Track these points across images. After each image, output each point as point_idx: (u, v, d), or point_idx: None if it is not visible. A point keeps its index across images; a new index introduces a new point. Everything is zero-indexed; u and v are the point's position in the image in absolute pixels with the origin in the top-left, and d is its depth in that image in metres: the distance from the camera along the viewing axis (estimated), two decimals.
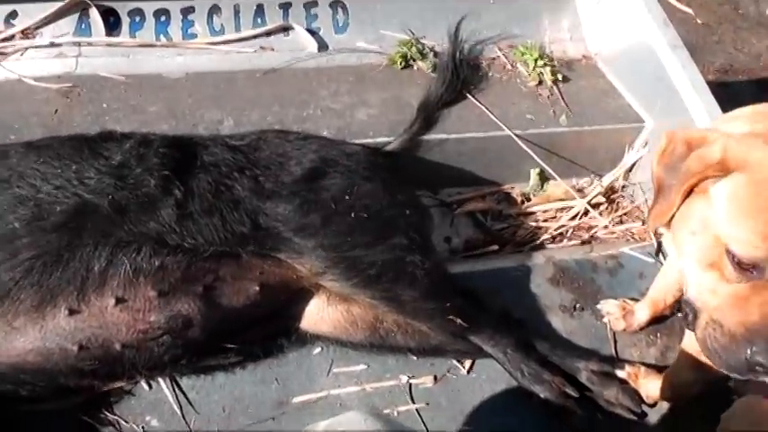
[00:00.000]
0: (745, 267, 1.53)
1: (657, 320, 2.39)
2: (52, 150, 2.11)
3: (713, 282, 1.60)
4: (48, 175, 2.04)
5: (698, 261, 1.62)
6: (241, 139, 2.29)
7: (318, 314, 2.22)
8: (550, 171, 2.82)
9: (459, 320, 2.18)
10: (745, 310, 1.55)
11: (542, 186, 2.90)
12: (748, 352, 1.53)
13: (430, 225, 2.57)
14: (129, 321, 1.98)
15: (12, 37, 2.81)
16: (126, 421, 2.11)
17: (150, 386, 2.18)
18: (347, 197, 2.18)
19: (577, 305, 2.43)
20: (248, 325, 2.17)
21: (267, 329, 2.23)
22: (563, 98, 2.90)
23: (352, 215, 2.15)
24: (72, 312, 1.94)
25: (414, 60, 2.95)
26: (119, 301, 1.97)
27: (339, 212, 2.15)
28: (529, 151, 2.74)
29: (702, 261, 1.61)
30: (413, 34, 3.01)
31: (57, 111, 2.65)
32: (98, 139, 2.17)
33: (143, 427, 2.11)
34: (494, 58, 3.06)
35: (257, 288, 2.10)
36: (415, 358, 2.30)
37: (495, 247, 2.73)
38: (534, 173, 2.87)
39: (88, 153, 2.10)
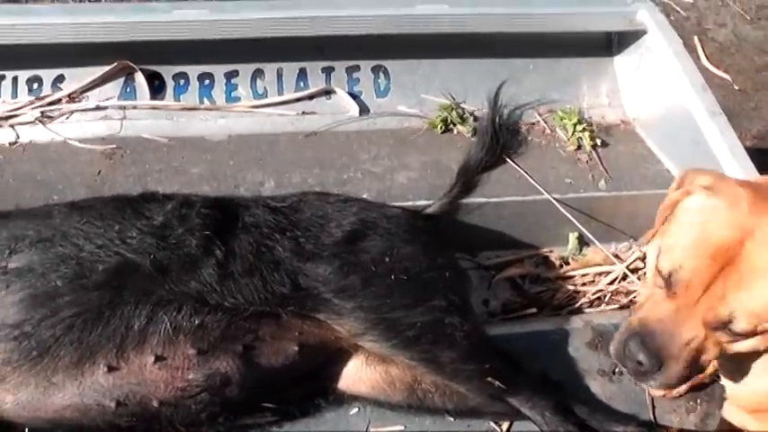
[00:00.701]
0: (662, 275, 1.83)
1: (697, 387, 2.35)
2: (95, 210, 2.17)
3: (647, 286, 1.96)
4: (90, 234, 2.09)
5: (648, 269, 1.96)
6: (282, 200, 2.33)
7: (356, 375, 2.23)
8: (589, 235, 2.82)
9: (497, 382, 2.17)
10: (644, 308, 1.90)
11: (581, 250, 2.89)
12: (627, 342, 1.88)
13: (468, 287, 2.57)
14: (167, 379, 2.01)
15: (58, 101, 2.90)
16: None
17: None
18: (387, 259, 2.19)
19: (616, 370, 2.41)
20: (286, 384, 2.18)
21: (305, 389, 2.23)
22: (602, 163, 2.92)
23: (392, 277, 2.17)
24: (111, 369, 1.98)
25: (454, 124, 2.99)
26: (158, 358, 2.00)
27: (379, 274, 2.17)
28: (568, 215, 2.75)
29: (650, 269, 1.92)
30: (453, 99, 3.05)
31: (100, 172, 2.72)
32: (140, 199, 2.22)
33: None
34: (533, 123, 3.09)
35: (296, 348, 2.12)
36: (452, 419, 2.29)
37: (534, 311, 2.72)
38: (573, 237, 2.87)
39: (131, 213, 2.14)
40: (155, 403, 2.00)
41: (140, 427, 2.03)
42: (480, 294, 2.79)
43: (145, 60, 2.92)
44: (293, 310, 2.11)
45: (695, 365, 1.86)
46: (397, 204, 2.55)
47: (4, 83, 2.94)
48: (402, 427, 2.26)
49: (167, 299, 2.02)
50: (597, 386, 2.39)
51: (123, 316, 1.99)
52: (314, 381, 2.23)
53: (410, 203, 2.60)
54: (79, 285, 2.00)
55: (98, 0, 3.52)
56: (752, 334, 1.79)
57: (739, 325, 1.76)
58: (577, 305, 2.73)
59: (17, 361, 1.95)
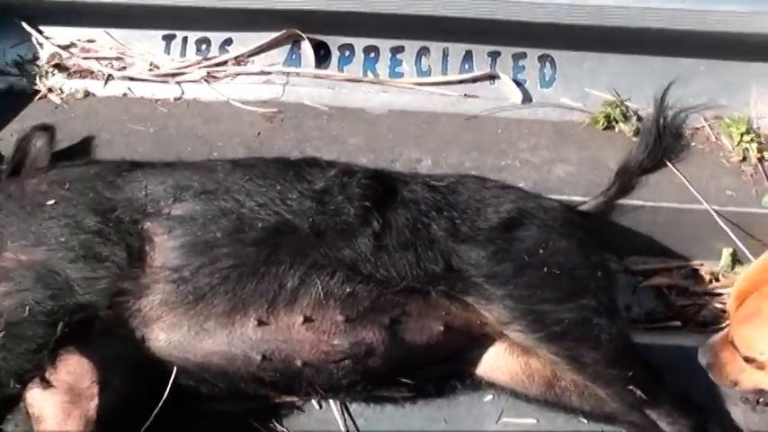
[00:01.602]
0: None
1: None
2: (258, 169, 2.24)
3: None
4: (252, 192, 2.16)
5: None
6: (440, 180, 2.34)
7: (496, 362, 2.24)
8: (745, 252, 2.72)
9: (638, 392, 2.14)
10: None
11: (733, 268, 2.80)
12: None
13: (616, 290, 2.53)
14: (313, 341, 2.06)
15: (225, 62, 3.01)
16: None
17: (321, 406, 2.26)
18: (541, 251, 2.19)
19: (761, 400, 2.32)
20: (426, 363, 2.21)
21: (443, 370, 2.26)
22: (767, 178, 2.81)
23: (544, 269, 2.16)
24: (260, 324, 2.05)
25: (616, 122, 2.94)
26: (306, 320, 2.05)
27: (531, 265, 2.16)
28: (726, 229, 2.67)
29: None
30: (618, 95, 2.99)
31: (259, 134, 2.81)
32: (303, 163, 2.29)
33: None
34: (698, 128, 3.00)
35: (441, 328, 2.13)
36: (585, 422, 2.27)
37: (678, 324, 2.65)
38: (727, 252, 2.78)
39: (293, 176, 2.21)
40: (298, 363, 2.06)
41: (281, 383, 2.11)
42: (623, 299, 2.73)
43: (312, 29, 2.98)
44: (443, 289, 2.12)
45: None
46: (552, 197, 2.51)
47: (173, 42, 3.08)
48: (534, 421, 2.26)
49: (321, 263, 2.07)
50: (738, 413, 2.31)
51: (278, 274, 2.05)
52: (453, 362, 2.25)
53: (566, 198, 2.57)
54: (238, 239, 2.08)
55: None
56: None
57: None
58: (724, 325, 2.64)
59: (173, 303, 2.04)
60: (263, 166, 2.24)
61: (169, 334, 2.06)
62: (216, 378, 2.09)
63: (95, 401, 2.09)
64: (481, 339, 2.22)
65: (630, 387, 2.13)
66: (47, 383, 2.01)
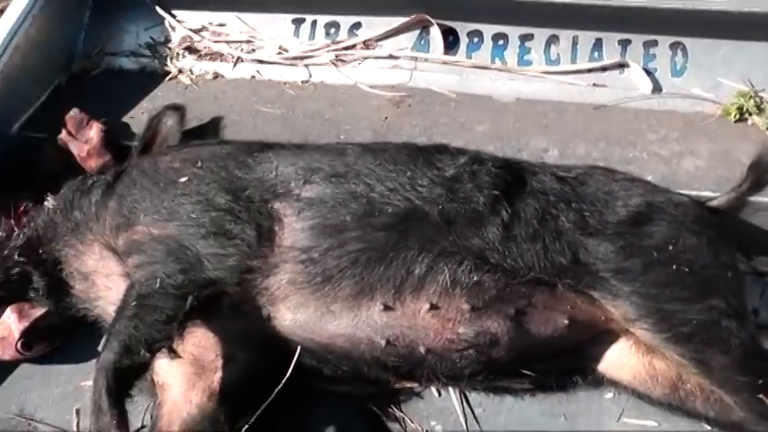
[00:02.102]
0: None
1: None
2: (388, 154, 2.26)
3: None
4: (382, 176, 2.18)
5: None
6: (568, 171, 2.32)
7: (619, 360, 2.21)
8: None
9: None
10: None
11: None
12: None
13: (746, 293, 2.46)
14: (438, 328, 2.08)
15: (353, 46, 3.05)
16: (411, 421, 2.21)
17: (440, 393, 2.27)
18: (670, 247, 2.14)
19: None
20: (548, 355, 2.20)
21: (564, 364, 2.24)
22: None
23: (674, 267, 2.12)
24: (386, 308, 2.07)
25: (749, 114, 2.84)
26: (432, 307, 2.07)
27: (660, 261, 2.12)
28: None
29: None
30: (752, 86, 2.89)
31: (386, 118, 2.83)
32: (433, 150, 2.29)
33: (427, 431, 2.18)
34: None
35: (566, 321, 2.12)
36: (708, 428, 2.20)
37: None
38: None
39: (423, 162, 2.22)
40: (421, 349, 2.08)
41: (404, 369, 2.13)
42: (750, 302, 2.64)
43: (442, 15, 2.98)
44: (569, 282, 2.10)
45: None
46: (681, 192, 2.45)
47: (303, 25, 3.14)
48: (656, 424, 2.22)
49: (450, 251, 2.08)
50: None
51: (406, 260, 2.07)
52: (575, 357, 2.24)
53: (695, 193, 2.49)
54: (367, 223, 2.11)
55: None
56: None
57: None
58: None
59: (301, 283, 2.09)
60: (393, 151, 2.26)
61: (295, 314, 2.11)
62: (339, 360, 2.13)
63: (219, 374, 2.18)
64: (605, 335, 2.19)
65: (761, 396, 2.06)
66: (174, 354, 2.09)
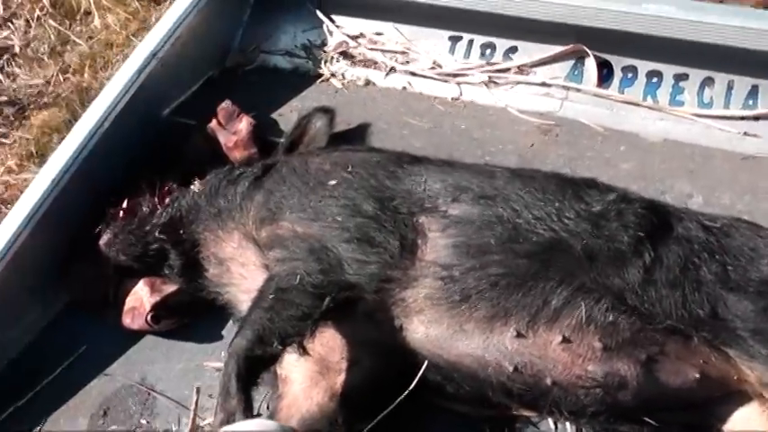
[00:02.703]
0: None
1: None
2: (537, 182, 2.28)
3: None
4: (530, 204, 2.21)
5: None
6: (713, 220, 2.29)
7: (749, 423, 2.16)
8: None
9: None
10: None
11: None
12: None
13: None
14: (567, 362, 2.08)
15: (507, 69, 3.07)
16: None
17: (556, 427, 2.27)
18: None
19: None
20: (674, 407, 2.16)
21: (689, 418, 2.20)
22: None
23: None
24: (519, 335, 2.09)
25: None
26: (565, 340, 2.08)
27: None
28: None
29: None
30: None
31: (533, 145, 2.85)
32: (582, 183, 2.31)
33: None
34: None
35: (697, 375, 2.09)
36: None
37: None
38: None
39: (571, 194, 2.24)
40: (548, 381, 2.09)
41: (527, 397, 2.14)
42: None
43: (598, 47, 2.97)
44: (705, 336, 2.08)
45: None
46: None
47: (459, 43, 3.18)
48: None
49: (589, 287, 2.08)
50: None
51: (544, 290, 2.09)
52: (701, 413, 2.19)
53: None
54: (510, 248, 2.14)
55: None
56: None
57: None
58: None
59: (438, 299, 2.13)
60: (542, 180, 2.28)
61: (428, 328, 2.15)
62: (464, 379, 2.15)
63: (343, 376, 2.24)
64: (736, 395, 2.15)
65: None
66: (303, 350, 2.16)
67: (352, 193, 2.30)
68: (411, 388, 2.08)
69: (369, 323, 2.21)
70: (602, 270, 2.10)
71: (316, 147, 2.79)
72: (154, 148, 2.96)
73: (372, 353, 2.25)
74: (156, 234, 2.60)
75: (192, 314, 2.64)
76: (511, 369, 2.09)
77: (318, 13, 3.37)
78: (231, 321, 2.56)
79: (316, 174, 2.42)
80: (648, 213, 2.22)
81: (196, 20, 3.13)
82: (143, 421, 2.45)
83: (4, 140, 3.73)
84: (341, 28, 3.34)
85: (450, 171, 2.35)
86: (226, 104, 2.96)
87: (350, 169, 2.38)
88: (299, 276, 2.17)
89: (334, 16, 3.37)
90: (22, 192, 3.11)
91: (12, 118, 3.83)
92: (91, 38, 4.18)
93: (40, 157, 3.59)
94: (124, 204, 2.72)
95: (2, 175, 3.54)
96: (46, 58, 4.12)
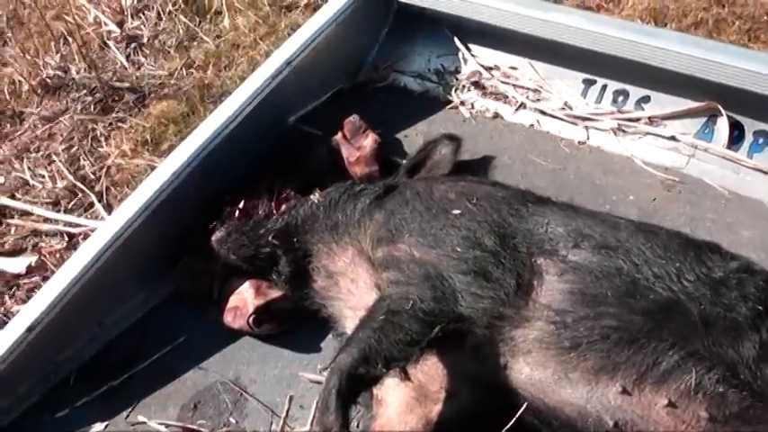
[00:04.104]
0: None
1: None
2: (660, 239, 2.29)
3: None
4: (651, 260, 2.22)
5: None
6: None
7: None
8: None
9: None
10: None
11: None
12: None
13: None
14: (670, 427, 2.08)
15: (637, 119, 3.10)
16: None
17: None
18: None
19: None
20: None
21: None
22: None
23: None
24: (624, 392, 2.10)
25: None
26: (670, 404, 2.08)
27: None
28: None
29: None
30: None
31: (655, 199, 2.88)
32: (705, 246, 2.31)
33: None
34: None
35: None
36: None
37: None
38: None
39: (693, 256, 2.24)
40: None
41: None
42: None
43: (732, 108, 2.97)
44: None
45: None
46: None
47: (592, 87, 3.22)
48: None
49: (701, 354, 2.08)
50: None
51: (656, 350, 2.10)
52: None
53: None
54: (626, 303, 2.15)
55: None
56: None
57: None
58: None
59: (548, 343, 2.16)
60: (665, 238, 2.29)
61: (532, 370, 2.18)
62: (561, 427, 2.17)
63: (439, 406, 2.29)
64: None
65: None
66: (405, 375, 2.22)
67: (474, 225, 2.35)
68: (508, 427, 2.11)
69: (474, 357, 2.25)
70: (716, 339, 2.10)
71: (438, 173, 2.85)
72: (276, 153, 3.06)
73: (472, 387, 2.29)
74: (270, 238, 2.68)
75: (293, 322, 2.72)
76: (611, 424, 2.10)
77: (456, 39, 3.44)
78: (331, 335, 2.64)
79: (440, 201, 2.47)
80: None
81: (334, 32, 3.25)
82: (232, 420, 2.54)
83: (121, 125, 3.87)
84: (476, 57, 3.41)
85: (573, 216, 2.38)
86: (353, 119, 3.06)
87: (474, 201, 2.43)
88: (411, 301, 2.22)
89: (470, 45, 3.44)
90: (133, 176, 3.32)
91: (131, 104, 3.97)
92: (218, 36, 4.33)
93: (155, 145, 3.74)
94: (241, 205, 2.82)
95: (116, 158, 3.64)
96: (172, 51, 4.29)
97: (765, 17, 3.81)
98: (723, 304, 2.14)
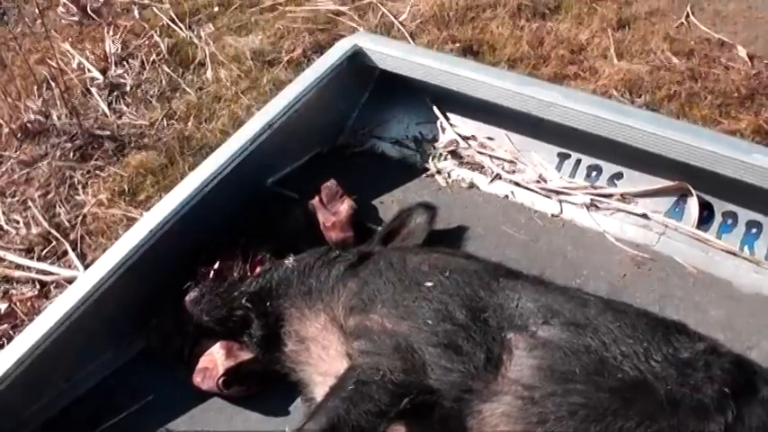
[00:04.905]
0: None
1: None
2: (628, 318, 2.34)
3: None
4: (619, 339, 2.26)
5: None
6: None
7: None
8: None
9: None
10: None
11: None
12: None
13: None
14: None
15: (610, 195, 3.17)
16: None
17: None
18: None
19: None
20: None
21: None
22: None
23: None
24: None
25: None
26: None
27: None
28: None
29: None
30: None
31: (625, 275, 2.94)
32: (672, 327, 2.36)
33: None
34: None
35: None
36: None
37: None
38: None
39: (660, 336, 2.28)
40: None
41: None
42: None
43: (702, 188, 3.04)
44: None
45: None
46: None
47: (567, 161, 3.30)
48: None
49: None
50: None
51: (622, 429, 2.12)
52: None
53: None
54: (593, 381, 2.19)
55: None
56: None
57: None
58: None
59: (516, 418, 2.19)
60: (634, 316, 2.34)
61: None
62: None
63: None
64: None
65: None
66: None
67: (446, 299, 2.39)
68: None
69: (441, 429, 2.27)
70: (682, 419, 2.13)
71: (412, 242, 2.91)
72: (253, 214, 3.11)
73: None
74: (243, 301, 2.71)
75: (262, 385, 2.73)
76: None
77: (435, 108, 3.52)
78: (300, 399, 2.65)
79: (413, 273, 2.52)
80: (735, 369, 2.26)
81: (316, 96, 3.31)
82: None
83: (99, 173, 3.89)
84: (454, 126, 3.48)
85: (543, 291, 2.43)
86: (331, 183, 3.11)
87: (447, 274, 2.47)
88: (381, 372, 2.25)
89: (449, 113, 3.51)
90: (108, 226, 3.35)
91: (111, 153, 3.99)
92: (201, 89, 4.38)
93: (132, 195, 3.76)
94: (216, 265, 2.85)
95: (92, 207, 3.66)
96: (154, 101, 4.34)
97: (736, 93, 3.92)
98: (689, 385, 2.18)
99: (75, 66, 4.58)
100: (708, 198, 3.07)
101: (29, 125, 4.12)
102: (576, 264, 2.97)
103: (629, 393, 2.17)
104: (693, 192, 3.05)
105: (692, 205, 3.07)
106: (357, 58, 3.40)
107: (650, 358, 2.22)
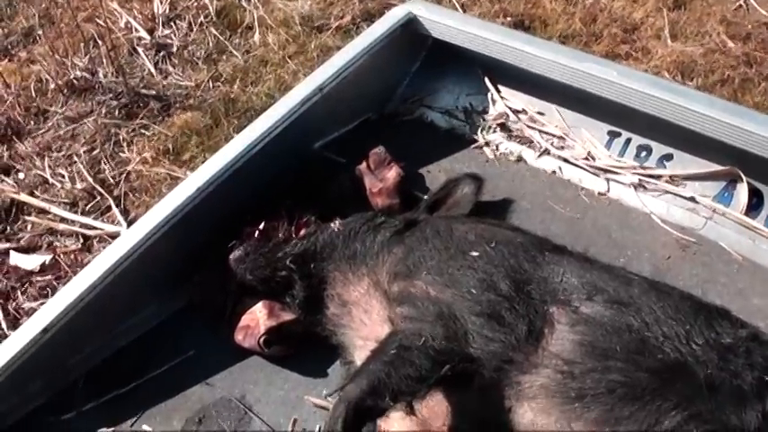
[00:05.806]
0: None
1: None
2: (672, 300, 2.37)
3: None
4: (661, 319, 2.30)
5: None
6: None
7: None
8: None
9: None
10: None
11: None
12: None
13: None
14: None
15: (659, 176, 3.19)
16: None
17: None
18: None
19: None
20: None
21: None
22: None
23: None
24: None
25: None
26: None
27: None
28: None
29: None
30: None
31: (669, 257, 2.96)
32: (715, 311, 2.38)
33: None
34: None
35: None
36: None
37: None
38: None
39: (703, 320, 2.31)
40: None
41: None
42: None
43: (753, 175, 3.05)
44: None
45: None
46: None
47: (616, 140, 3.31)
48: None
49: (705, 418, 2.14)
50: None
51: (659, 409, 2.17)
52: None
53: None
54: (634, 359, 2.23)
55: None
56: None
57: None
58: None
59: (553, 392, 2.24)
60: (677, 298, 2.37)
61: (536, 416, 2.25)
62: None
63: None
64: None
65: None
66: (411, 410, 2.29)
67: (491, 269, 2.43)
68: None
69: (479, 398, 2.32)
70: (720, 404, 2.16)
71: (458, 212, 2.95)
72: (300, 177, 3.17)
73: (474, 426, 2.37)
74: (287, 262, 2.77)
75: (303, 346, 2.79)
76: None
77: (486, 80, 3.55)
78: (339, 362, 2.72)
79: (459, 241, 2.56)
80: None
81: (367, 62, 3.36)
82: None
83: (144, 131, 3.98)
84: (505, 99, 3.51)
85: (588, 268, 2.47)
86: (379, 150, 3.16)
87: (493, 245, 2.51)
88: (423, 338, 2.30)
89: (500, 86, 3.54)
90: (152, 184, 3.43)
91: (156, 112, 4.08)
92: (248, 52, 4.44)
93: (176, 155, 3.85)
94: (261, 226, 2.91)
95: (137, 165, 3.75)
96: (200, 63, 4.41)
97: None
98: (729, 370, 2.21)
99: (122, 25, 4.66)
100: (758, 185, 3.07)
101: (75, 82, 4.22)
102: (621, 243, 3.00)
103: (669, 374, 2.21)
104: (744, 177, 3.05)
105: (742, 191, 3.07)
106: (411, 26, 3.43)
107: (691, 341, 2.25)
